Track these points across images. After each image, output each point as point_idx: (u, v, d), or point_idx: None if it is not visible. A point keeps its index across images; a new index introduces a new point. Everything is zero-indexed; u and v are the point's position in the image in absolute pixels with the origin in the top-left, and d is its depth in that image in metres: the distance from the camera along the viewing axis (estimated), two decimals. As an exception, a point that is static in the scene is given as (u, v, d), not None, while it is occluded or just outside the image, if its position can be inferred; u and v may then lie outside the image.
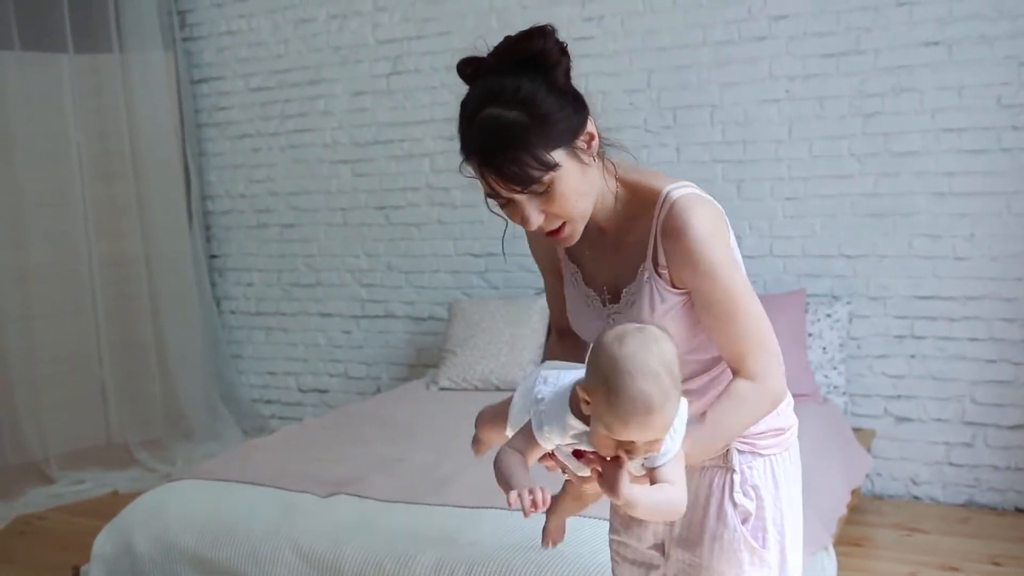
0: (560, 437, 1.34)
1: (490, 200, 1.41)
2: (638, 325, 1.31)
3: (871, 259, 3.76)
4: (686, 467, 1.37)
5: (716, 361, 1.53)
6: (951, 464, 3.72)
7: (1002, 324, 3.59)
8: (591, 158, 1.40)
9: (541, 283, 4.39)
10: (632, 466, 1.30)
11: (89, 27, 4.71)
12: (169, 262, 4.92)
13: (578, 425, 1.31)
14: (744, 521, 1.51)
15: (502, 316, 4.04)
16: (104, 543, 2.69)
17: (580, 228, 1.43)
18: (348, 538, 2.41)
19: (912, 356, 3.73)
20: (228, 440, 4.82)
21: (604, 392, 1.24)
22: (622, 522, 1.66)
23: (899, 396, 3.77)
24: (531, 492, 1.26)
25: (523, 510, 1.26)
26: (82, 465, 4.56)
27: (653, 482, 1.32)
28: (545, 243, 1.57)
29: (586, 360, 1.31)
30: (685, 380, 1.45)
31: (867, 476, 3.73)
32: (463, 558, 2.26)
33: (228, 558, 2.49)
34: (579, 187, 1.38)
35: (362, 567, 2.33)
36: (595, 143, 1.41)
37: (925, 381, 3.72)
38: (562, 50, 1.37)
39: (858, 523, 3.54)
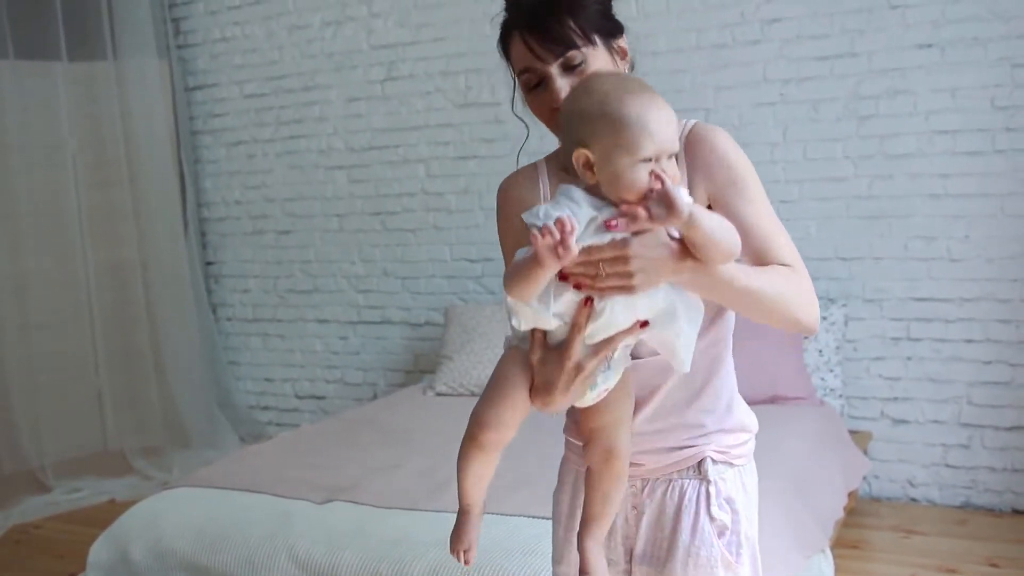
0: (585, 234, 1.19)
1: (516, 100, 1.43)
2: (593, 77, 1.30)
3: (867, 261, 3.76)
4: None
5: (718, 360, 1.48)
6: (948, 466, 3.72)
7: (998, 325, 3.59)
8: (621, 62, 1.42)
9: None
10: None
11: (83, 35, 4.71)
12: (165, 269, 4.91)
13: (593, 201, 1.20)
14: (720, 535, 1.43)
15: (498, 321, 4.04)
16: (100, 551, 2.68)
17: None
18: (344, 544, 2.40)
19: (908, 358, 3.73)
20: (225, 447, 4.81)
21: (604, 126, 1.20)
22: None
23: (895, 398, 3.77)
24: None
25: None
26: (79, 473, 4.55)
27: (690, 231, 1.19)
28: (524, 195, 1.48)
29: (561, 135, 1.29)
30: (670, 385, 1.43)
31: (864, 478, 3.73)
32: (459, 564, 2.25)
33: (224, 565, 2.48)
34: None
35: (358, 573, 2.32)
36: (628, 59, 1.44)
37: (921, 383, 3.73)
38: None
39: (855, 526, 3.54)
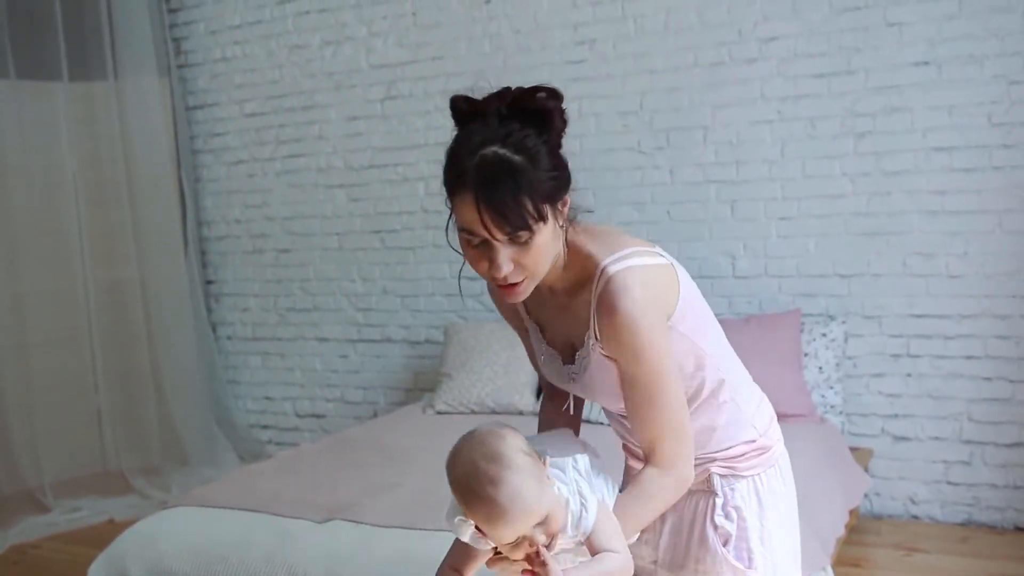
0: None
1: (453, 235, 1.41)
2: (468, 433, 1.37)
3: (865, 278, 3.77)
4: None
5: (714, 386, 1.54)
6: (949, 483, 3.71)
7: (997, 342, 3.59)
8: (562, 221, 1.41)
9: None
10: (562, 543, 1.35)
11: (84, 55, 4.74)
12: (165, 288, 4.91)
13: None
14: (725, 543, 1.53)
15: (498, 339, 4.04)
16: (98, 572, 2.67)
17: (532, 287, 1.43)
18: (344, 564, 2.40)
19: (908, 375, 3.73)
20: (225, 466, 4.80)
21: (467, 512, 1.32)
22: None
23: (896, 415, 3.77)
24: None
25: None
26: (78, 493, 4.54)
27: (593, 552, 1.36)
28: (512, 309, 1.61)
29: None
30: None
31: (865, 496, 3.72)
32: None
33: (223, 586, 2.47)
34: (548, 246, 1.39)
35: (358, 593, 2.31)
36: (566, 209, 1.42)
37: (922, 399, 3.72)
38: (564, 117, 1.39)
39: (857, 543, 3.52)
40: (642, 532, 1.55)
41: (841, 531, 3.08)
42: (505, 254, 1.36)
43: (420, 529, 2.52)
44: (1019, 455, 3.60)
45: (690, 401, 1.51)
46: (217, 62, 5.02)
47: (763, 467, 1.57)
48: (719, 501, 1.54)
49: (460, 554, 1.47)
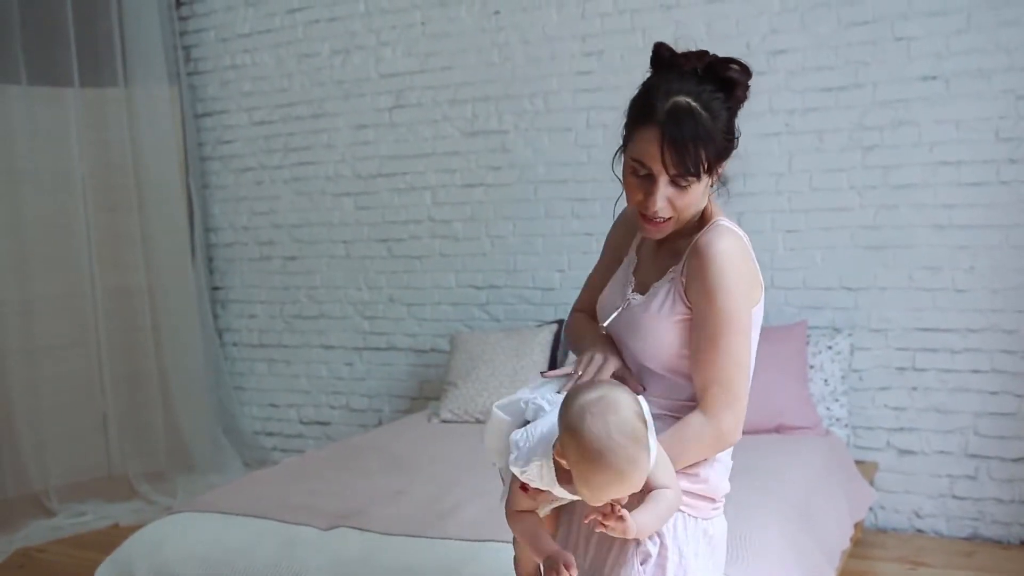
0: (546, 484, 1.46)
1: (618, 167, 1.59)
2: (597, 394, 1.38)
3: (872, 291, 3.77)
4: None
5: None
6: (955, 497, 3.71)
7: (1004, 356, 3.59)
8: (714, 182, 1.59)
9: (542, 316, 4.39)
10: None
11: (95, 61, 4.76)
12: (172, 294, 4.93)
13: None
14: (643, 562, 1.53)
15: (503, 348, 4.05)
16: (104, 576, 2.68)
17: (671, 229, 1.58)
18: (350, 571, 2.40)
19: (914, 388, 3.73)
20: (230, 472, 4.81)
21: (579, 469, 1.37)
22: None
23: (901, 428, 3.76)
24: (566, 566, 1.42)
25: None
26: (83, 497, 4.54)
27: (647, 489, 1.43)
28: (631, 227, 1.73)
29: (559, 418, 1.41)
30: (678, 404, 1.57)
31: (870, 509, 3.72)
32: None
33: (229, 592, 2.48)
34: (699, 198, 1.56)
35: (363, 601, 2.31)
36: (717, 179, 1.60)
37: (927, 413, 3.72)
38: (747, 92, 1.58)
39: (861, 557, 3.52)
40: (567, 539, 1.61)
41: (847, 544, 3.08)
42: (664, 191, 1.52)
43: (426, 537, 2.53)
44: (1025, 470, 3.60)
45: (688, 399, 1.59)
46: (227, 70, 5.04)
47: (699, 513, 1.59)
48: None
49: (523, 500, 1.51)
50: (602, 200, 4.05)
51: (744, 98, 1.57)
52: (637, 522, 1.40)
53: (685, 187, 1.52)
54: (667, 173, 1.51)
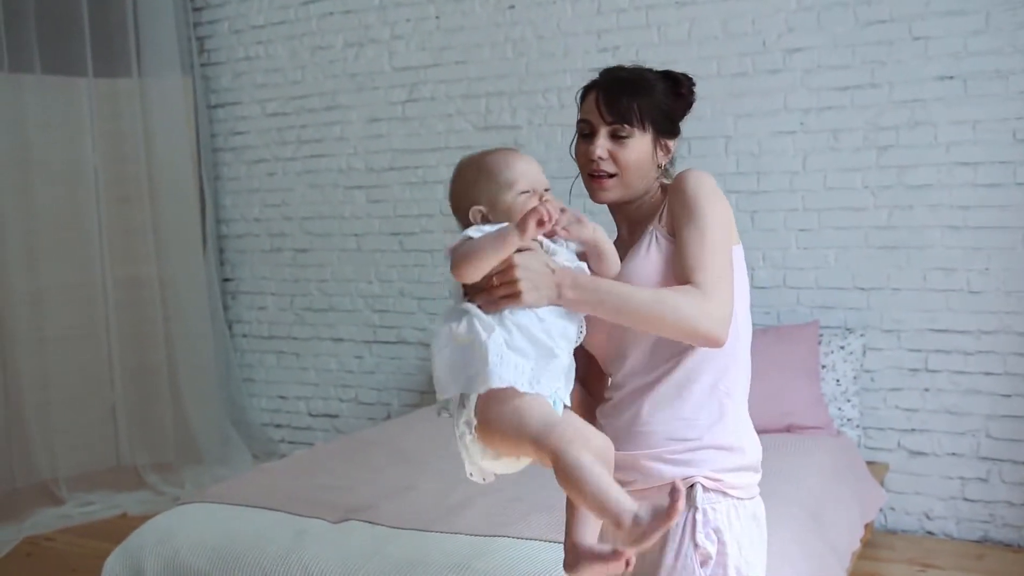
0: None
1: (574, 146, 1.69)
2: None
3: (885, 292, 3.75)
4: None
5: (685, 353, 1.55)
6: (966, 499, 3.69)
7: (1017, 359, 3.57)
8: (658, 161, 1.64)
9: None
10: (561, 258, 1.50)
11: (109, 52, 4.77)
12: (183, 285, 4.93)
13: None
14: (703, 564, 1.48)
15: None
16: (114, 565, 2.67)
17: (617, 194, 1.63)
18: (359, 564, 2.40)
19: (926, 389, 3.71)
20: (238, 464, 4.81)
21: (483, 179, 1.53)
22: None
23: (913, 430, 3.75)
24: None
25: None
26: (91, 487, 4.56)
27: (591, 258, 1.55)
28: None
29: (457, 214, 1.60)
30: (656, 381, 1.54)
31: (880, 510, 3.70)
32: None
33: (238, 583, 2.48)
34: (641, 163, 1.61)
35: (373, 594, 2.31)
36: (666, 156, 1.66)
37: (939, 415, 3.70)
38: (690, 97, 1.68)
39: (871, 558, 3.50)
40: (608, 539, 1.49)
41: (857, 545, 3.07)
42: (604, 142, 1.61)
43: (435, 531, 2.53)
44: (1037, 473, 3.58)
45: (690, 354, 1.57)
46: (240, 61, 5.04)
47: (745, 494, 1.55)
48: (700, 518, 1.49)
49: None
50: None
51: (688, 96, 1.66)
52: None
53: (624, 139, 1.59)
54: (604, 123, 1.60)
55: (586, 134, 1.64)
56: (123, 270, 4.87)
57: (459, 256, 1.45)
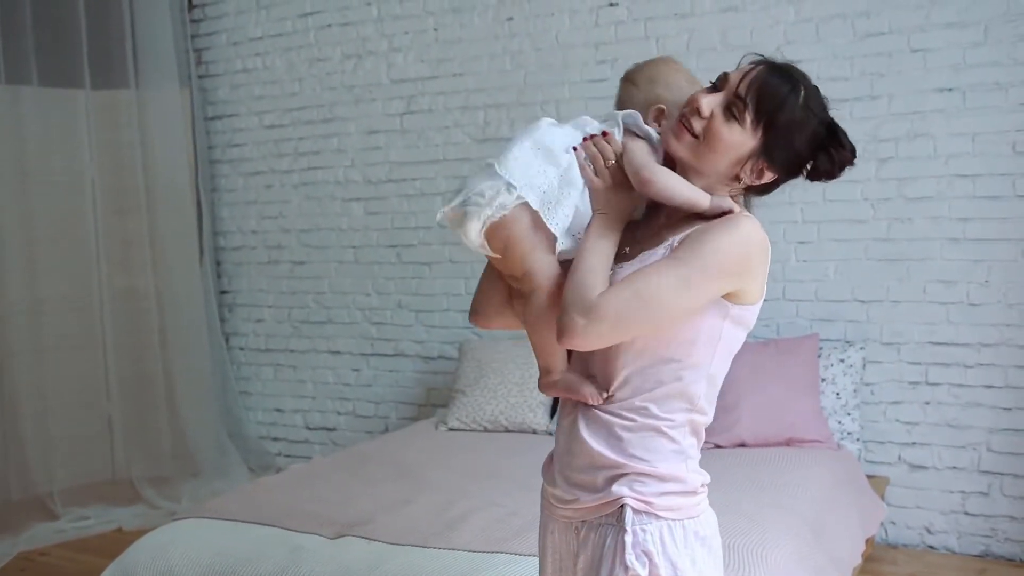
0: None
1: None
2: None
3: (885, 304, 3.73)
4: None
5: (682, 369, 1.46)
6: (967, 513, 3.67)
7: (1018, 372, 3.55)
8: (742, 173, 1.49)
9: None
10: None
11: (106, 63, 4.76)
12: (180, 297, 4.91)
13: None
14: None
15: (512, 357, 4.02)
16: (108, 581, 2.65)
17: (685, 154, 1.48)
18: (356, 581, 2.37)
19: (927, 403, 3.69)
20: (235, 477, 4.78)
21: (684, 84, 1.56)
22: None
23: (913, 443, 3.73)
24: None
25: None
26: (87, 501, 4.52)
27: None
28: None
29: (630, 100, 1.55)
30: (652, 389, 1.45)
31: (881, 524, 3.68)
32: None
33: (233, 600, 2.45)
34: (726, 151, 1.46)
35: (370, 612, 2.28)
36: (756, 176, 1.50)
37: (940, 428, 3.68)
38: (840, 159, 1.52)
39: (872, 572, 3.48)
40: (556, 562, 1.54)
41: (858, 560, 3.04)
42: (716, 101, 1.46)
43: (433, 548, 2.50)
44: (1038, 487, 3.56)
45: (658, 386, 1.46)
46: (238, 73, 5.04)
47: (678, 513, 1.45)
48: (629, 540, 1.42)
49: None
50: (613, 209, 4.03)
51: (836, 161, 1.51)
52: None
53: (733, 118, 1.44)
54: (733, 92, 1.45)
55: (711, 87, 1.49)
56: (120, 281, 4.85)
57: (662, 181, 1.45)
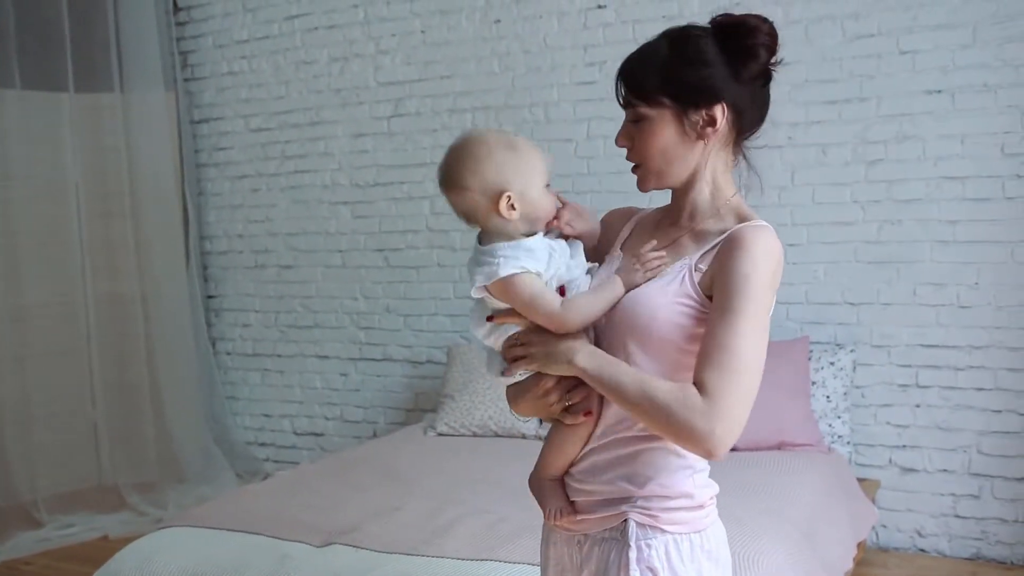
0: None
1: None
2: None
3: (875, 307, 3.73)
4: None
5: None
6: (958, 516, 3.66)
7: (1008, 374, 3.55)
8: (696, 136, 1.41)
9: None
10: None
11: (91, 66, 4.72)
12: (166, 302, 4.87)
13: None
14: None
15: (501, 361, 3.99)
16: (92, 592, 2.61)
17: (653, 184, 1.45)
18: (343, 590, 2.34)
19: (917, 405, 3.68)
20: (221, 483, 4.74)
21: (519, 162, 1.39)
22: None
23: (904, 446, 3.72)
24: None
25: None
26: (72, 508, 4.47)
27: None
28: (614, 226, 1.62)
29: (458, 199, 1.48)
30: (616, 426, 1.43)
31: (872, 528, 3.67)
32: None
33: (219, 610, 2.42)
34: (665, 147, 1.41)
35: (357, 621, 2.26)
36: (711, 129, 1.40)
37: (930, 431, 3.67)
38: (769, 49, 1.39)
39: (863, 576, 3.47)
40: None
41: (850, 564, 3.03)
42: (625, 128, 1.43)
43: (422, 555, 2.47)
44: (1029, 489, 3.55)
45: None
46: (224, 76, 5.00)
47: (686, 527, 1.41)
48: (633, 555, 1.38)
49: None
50: (602, 211, 4.00)
51: (762, 56, 1.38)
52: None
53: (637, 122, 1.40)
54: (622, 105, 1.42)
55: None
56: (105, 286, 4.81)
57: (574, 313, 1.37)
